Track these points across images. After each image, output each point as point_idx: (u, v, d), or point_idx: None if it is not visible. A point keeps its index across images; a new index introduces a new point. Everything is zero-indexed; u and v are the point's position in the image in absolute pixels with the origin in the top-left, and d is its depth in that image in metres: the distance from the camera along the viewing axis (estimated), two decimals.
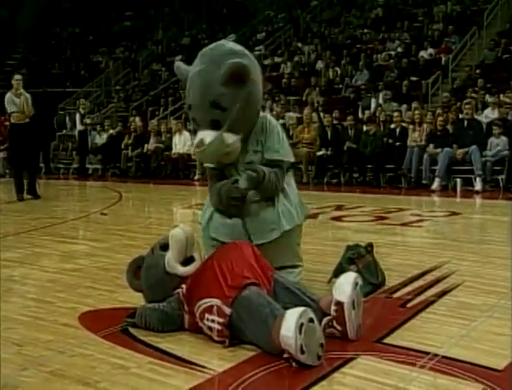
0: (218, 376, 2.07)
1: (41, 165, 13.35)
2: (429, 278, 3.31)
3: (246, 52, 2.93)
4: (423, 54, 13.36)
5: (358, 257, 3.14)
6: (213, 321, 2.33)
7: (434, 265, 3.60)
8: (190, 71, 2.87)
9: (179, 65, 3.03)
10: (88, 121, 12.87)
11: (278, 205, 2.88)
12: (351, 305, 2.29)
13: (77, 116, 12.69)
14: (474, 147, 8.48)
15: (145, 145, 11.95)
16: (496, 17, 13.94)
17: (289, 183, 3.01)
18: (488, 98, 10.31)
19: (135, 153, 11.99)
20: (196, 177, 11.07)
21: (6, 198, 8.22)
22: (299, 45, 16.19)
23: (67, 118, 15.22)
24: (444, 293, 2.99)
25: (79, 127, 12.53)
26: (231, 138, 2.76)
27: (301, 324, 2.04)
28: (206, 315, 2.35)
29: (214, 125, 2.74)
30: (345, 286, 2.32)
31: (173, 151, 11.46)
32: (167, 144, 11.70)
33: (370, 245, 3.28)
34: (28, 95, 8.06)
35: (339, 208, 6.66)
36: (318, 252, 4.09)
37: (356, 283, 2.35)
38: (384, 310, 2.76)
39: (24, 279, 3.54)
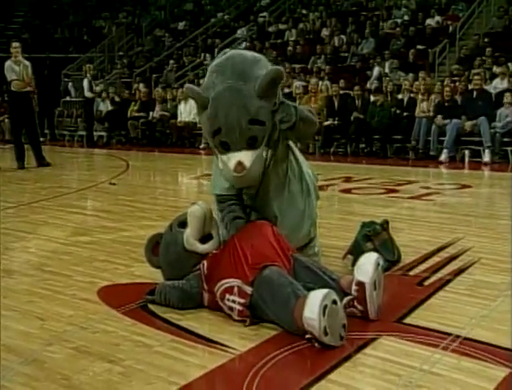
0: (242, 355, 2.09)
1: (46, 132, 13.28)
2: (444, 255, 3.31)
3: (264, 57, 2.71)
4: (429, 21, 13.13)
5: (374, 235, 3.13)
6: (234, 301, 2.34)
7: (448, 241, 3.60)
8: (210, 90, 2.52)
9: (191, 88, 2.65)
10: (97, 88, 12.68)
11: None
12: (372, 286, 2.30)
13: (85, 82, 12.44)
14: (482, 118, 8.39)
15: (151, 113, 11.86)
16: None
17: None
18: (496, 68, 10.16)
19: (140, 120, 11.92)
20: (201, 146, 11.02)
21: (11, 166, 8.19)
22: (304, 11, 15.89)
23: (70, 84, 15.05)
24: (460, 271, 3.00)
25: (87, 93, 12.31)
26: (267, 152, 2.57)
27: (325, 306, 2.05)
28: (227, 296, 2.37)
29: (252, 142, 2.51)
30: (367, 266, 2.32)
31: (179, 119, 11.39)
32: (173, 112, 11.61)
33: (386, 222, 3.28)
34: (27, 63, 7.99)
35: (347, 180, 6.64)
36: (330, 226, 4.08)
37: (378, 264, 2.35)
38: (401, 289, 2.77)
39: (40, 251, 3.56)
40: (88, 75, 12.54)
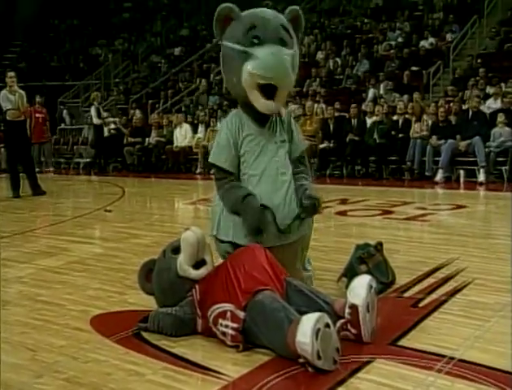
0: (234, 382, 2.06)
1: (42, 159, 13.33)
2: (439, 275, 3.30)
3: None
4: (423, 43, 13.30)
5: (368, 257, 3.13)
6: (226, 326, 2.33)
7: (443, 262, 3.60)
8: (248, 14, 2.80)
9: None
10: (105, 114, 12.79)
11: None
12: (365, 309, 2.29)
13: (93, 109, 12.55)
14: (477, 138, 8.46)
15: (147, 139, 11.93)
16: (496, 5, 13.84)
17: None
18: (490, 89, 10.27)
19: (136, 146, 11.98)
20: (198, 171, 11.06)
21: (7, 195, 8.18)
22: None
23: (64, 112, 15.17)
24: (455, 292, 2.99)
25: (95, 120, 12.40)
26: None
27: (318, 330, 2.03)
28: (220, 320, 2.35)
29: (282, 44, 2.70)
30: (360, 289, 2.31)
31: (174, 144, 11.45)
32: (168, 137, 11.69)
33: (380, 244, 3.27)
34: (22, 92, 8.06)
35: (343, 202, 6.65)
36: (325, 249, 4.08)
37: (370, 286, 2.34)
38: (396, 311, 2.75)
39: (33, 280, 3.54)
40: (95, 102, 12.65)
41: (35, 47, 19.61)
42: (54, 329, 2.66)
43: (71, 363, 2.27)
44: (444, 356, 2.17)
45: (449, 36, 13.25)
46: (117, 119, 12.98)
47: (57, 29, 20.93)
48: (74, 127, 14.03)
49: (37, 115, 12.37)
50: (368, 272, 2.87)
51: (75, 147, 13.64)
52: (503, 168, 8.43)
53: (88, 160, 12.97)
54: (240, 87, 2.73)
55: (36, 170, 10.91)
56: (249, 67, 2.65)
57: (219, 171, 2.81)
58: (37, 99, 12.77)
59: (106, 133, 12.74)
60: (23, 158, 8.19)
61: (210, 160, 2.85)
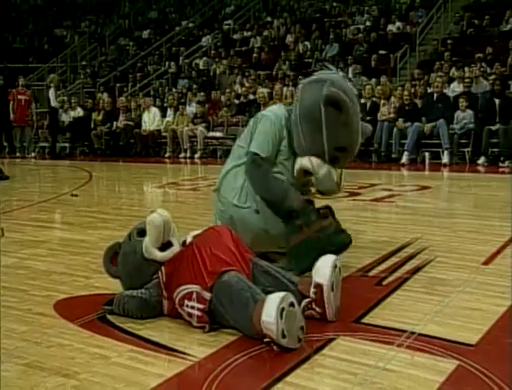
0: (200, 362, 2.07)
1: (5, 144, 13.01)
2: (403, 254, 3.38)
3: None
4: (391, 27, 13.39)
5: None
6: (192, 307, 2.33)
7: (407, 241, 3.67)
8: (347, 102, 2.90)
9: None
10: (65, 98, 12.51)
11: None
12: (330, 288, 2.32)
13: (50, 92, 12.23)
14: (441, 121, 8.61)
15: (115, 123, 11.75)
16: None
17: None
18: (455, 72, 10.43)
19: (104, 130, 11.80)
20: (166, 154, 10.97)
21: None
22: (268, 19, 16.04)
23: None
24: (417, 269, 3.06)
25: (53, 103, 12.10)
26: None
27: (282, 309, 2.05)
28: (186, 302, 2.35)
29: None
30: (325, 269, 2.34)
31: (143, 128, 11.32)
32: (137, 121, 11.54)
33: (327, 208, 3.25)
34: None
35: None
36: None
37: (335, 266, 2.37)
38: (360, 289, 2.80)
39: None
40: (52, 85, 12.35)
41: None
42: (15, 315, 2.60)
43: (33, 348, 2.23)
44: (405, 331, 2.23)
45: (415, 21, 13.39)
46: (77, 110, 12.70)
47: (19, 9, 20.34)
48: (38, 110, 13.68)
49: (20, 97, 12.03)
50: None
51: (39, 131, 13.32)
52: (465, 150, 8.62)
53: (62, 145, 12.70)
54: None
55: (17, 155, 10.65)
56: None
57: (259, 159, 3.00)
58: (20, 81, 12.39)
59: (70, 117, 12.49)
60: None
61: (254, 150, 3.01)
